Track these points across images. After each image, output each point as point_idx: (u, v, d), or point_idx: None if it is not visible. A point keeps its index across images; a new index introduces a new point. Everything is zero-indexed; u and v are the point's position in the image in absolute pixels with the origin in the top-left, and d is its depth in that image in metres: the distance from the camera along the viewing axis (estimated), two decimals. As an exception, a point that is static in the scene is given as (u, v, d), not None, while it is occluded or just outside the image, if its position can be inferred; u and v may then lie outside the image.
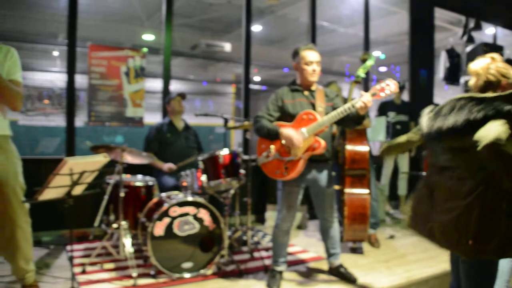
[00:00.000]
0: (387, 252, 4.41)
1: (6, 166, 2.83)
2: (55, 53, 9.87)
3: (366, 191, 4.13)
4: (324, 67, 3.52)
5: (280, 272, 3.52)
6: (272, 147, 3.33)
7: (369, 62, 4.00)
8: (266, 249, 4.35)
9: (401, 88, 6.10)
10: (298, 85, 3.47)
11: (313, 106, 3.37)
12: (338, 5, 8.14)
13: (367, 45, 6.91)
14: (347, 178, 4.18)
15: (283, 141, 3.24)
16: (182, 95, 4.68)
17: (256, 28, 9.34)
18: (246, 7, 5.83)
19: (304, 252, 4.33)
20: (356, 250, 4.39)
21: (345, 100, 4.47)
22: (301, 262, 4.05)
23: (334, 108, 3.38)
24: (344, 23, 9.28)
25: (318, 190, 3.49)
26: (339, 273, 3.65)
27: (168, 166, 4.43)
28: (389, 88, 3.06)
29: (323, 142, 3.22)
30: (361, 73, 4.01)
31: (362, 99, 3.07)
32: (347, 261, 4.06)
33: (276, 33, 10.38)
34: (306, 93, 3.42)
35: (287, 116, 3.38)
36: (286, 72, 11.91)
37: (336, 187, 4.41)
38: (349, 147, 4.19)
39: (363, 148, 4.20)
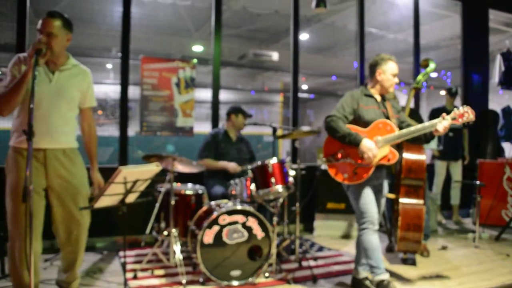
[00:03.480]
0: (440, 264, 4.27)
1: (79, 176, 3.01)
2: (109, 66, 10.25)
3: (421, 201, 4.02)
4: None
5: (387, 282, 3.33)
6: (342, 150, 3.32)
7: (430, 68, 3.94)
8: (315, 259, 4.32)
9: (454, 94, 5.92)
10: (371, 91, 3.45)
11: (385, 115, 3.36)
12: (387, 11, 8.01)
13: (417, 51, 6.75)
14: (402, 188, 4.06)
15: (359, 151, 3.21)
16: (249, 115, 4.74)
17: (303, 36, 9.34)
18: (293, 16, 5.85)
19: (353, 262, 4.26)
20: (406, 261, 4.28)
21: (402, 108, 4.40)
22: (351, 272, 3.97)
23: (400, 121, 3.41)
24: (393, 29, 9.12)
25: (377, 195, 3.43)
26: (363, 286, 3.48)
27: (233, 165, 4.48)
28: (467, 116, 3.13)
29: (397, 155, 3.25)
30: (421, 79, 3.95)
31: (443, 124, 3.12)
32: (398, 271, 3.97)
33: (324, 41, 10.33)
34: (378, 100, 3.42)
35: (359, 120, 3.34)
36: (334, 80, 11.82)
37: (391, 195, 4.32)
38: (407, 155, 4.06)
39: (420, 157, 4.07)
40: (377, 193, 3.44)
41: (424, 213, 3.99)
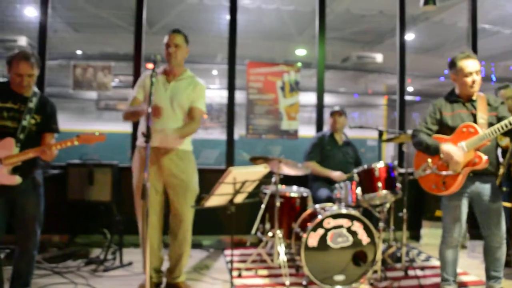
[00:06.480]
0: None
1: (188, 173, 3.31)
2: (214, 72, 10.70)
3: None
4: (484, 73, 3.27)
5: None
6: (429, 161, 3.19)
7: None
8: (422, 268, 4.13)
9: None
10: (457, 95, 3.28)
11: (474, 117, 3.15)
12: (504, 4, 7.44)
13: (539, 48, 6.18)
14: None
15: (442, 156, 3.10)
16: (338, 112, 4.69)
17: (408, 36, 9.00)
18: (399, 16, 5.66)
19: (464, 275, 4.01)
20: (527, 279, 3.93)
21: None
22: (461, 285, 3.75)
23: (498, 118, 3.15)
24: (510, 24, 8.47)
25: (482, 205, 3.20)
26: None
27: (338, 174, 4.45)
28: None
29: (484, 157, 3.01)
30: None
31: None
32: (516, 289, 3.67)
33: (431, 40, 9.88)
34: (467, 104, 3.22)
35: (445, 129, 3.22)
36: (442, 81, 11.25)
37: (508, 204, 4.01)
38: None
39: None
40: (475, 201, 3.24)
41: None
